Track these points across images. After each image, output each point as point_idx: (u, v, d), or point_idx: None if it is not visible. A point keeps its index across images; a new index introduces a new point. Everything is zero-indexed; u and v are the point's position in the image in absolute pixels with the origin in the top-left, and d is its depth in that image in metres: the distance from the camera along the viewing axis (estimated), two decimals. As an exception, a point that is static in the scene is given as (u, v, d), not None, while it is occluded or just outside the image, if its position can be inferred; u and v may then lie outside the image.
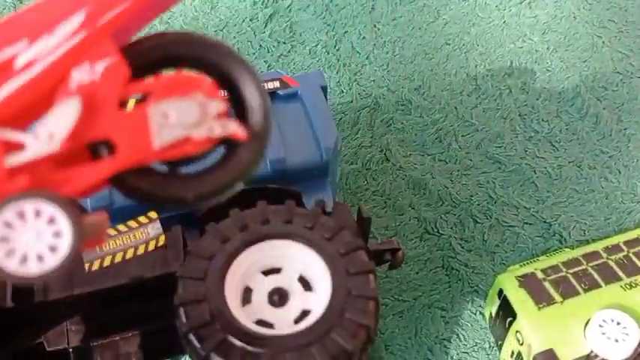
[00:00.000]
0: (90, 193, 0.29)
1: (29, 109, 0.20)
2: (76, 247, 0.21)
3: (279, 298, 0.54)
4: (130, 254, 0.61)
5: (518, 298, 0.71)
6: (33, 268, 0.20)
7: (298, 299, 0.55)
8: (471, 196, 0.91)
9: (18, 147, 0.19)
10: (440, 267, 0.85)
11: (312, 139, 0.71)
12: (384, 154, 0.95)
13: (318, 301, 0.54)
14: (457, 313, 0.82)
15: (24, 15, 0.21)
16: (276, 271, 0.57)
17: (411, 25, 1.10)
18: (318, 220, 0.57)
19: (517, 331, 0.70)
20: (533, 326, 0.68)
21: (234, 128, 0.24)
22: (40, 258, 0.20)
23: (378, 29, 1.09)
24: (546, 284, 0.72)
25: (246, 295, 0.55)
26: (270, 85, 0.75)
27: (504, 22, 1.10)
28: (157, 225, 0.63)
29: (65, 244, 0.20)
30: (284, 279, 0.56)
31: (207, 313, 0.51)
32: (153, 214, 0.63)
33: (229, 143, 0.24)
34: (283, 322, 0.53)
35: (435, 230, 0.88)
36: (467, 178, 0.93)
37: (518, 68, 1.05)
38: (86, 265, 0.60)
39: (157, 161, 0.24)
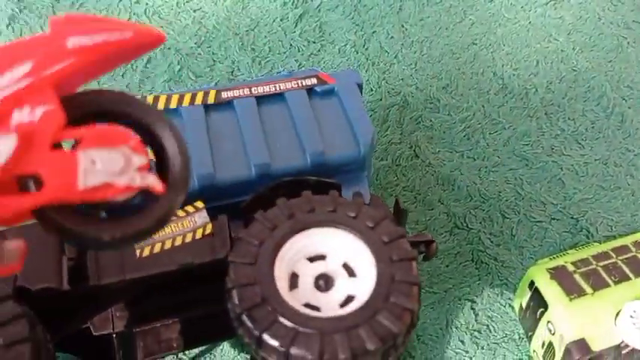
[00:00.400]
0: (13, 222, 0.30)
1: None
2: None
3: (325, 283, 0.56)
4: (178, 241, 0.63)
5: (550, 290, 0.73)
6: None
7: (343, 285, 0.57)
8: (499, 192, 0.93)
9: None
10: (469, 260, 0.87)
11: (349, 134, 0.73)
12: (414, 150, 0.97)
13: (362, 286, 0.56)
14: (487, 306, 0.84)
15: None
16: (321, 257, 0.59)
17: (438, 25, 1.12)
18: (362, 209, 0.59)
19: (548, 322, 0.72)
20: (565, 316, 0.70)
21: (153, 181, 0.26)
22: None
23: (406, 29, 1.11)
24: (577, 276, 0.73)
25: (293, 281, 0.57)
26: (308, 82, 0.78)
27: (530, 22, 1.12)
28: (204, 214, 0.65)
29: None
30: (329, 265, 0.58)
31: (258, 296, 0.53)
32: (199, 204, 0.66)
33: (147, 194, 0.26)
34: (329, 306, 0.55)
35: (465, 225, 0.90)
36: (495, 174, 0.95)
37: (544, 68, 1.07)
38: (137, 252, 0.63)
39: (80, 202, 0.25)
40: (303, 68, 1.05)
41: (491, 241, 0.89)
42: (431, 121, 1.00)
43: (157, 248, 0.63)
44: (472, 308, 0.84)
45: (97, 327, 0.68)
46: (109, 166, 0.25)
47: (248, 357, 0.78)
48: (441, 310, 0.83)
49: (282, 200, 0.60)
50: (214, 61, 1.05)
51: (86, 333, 0.69)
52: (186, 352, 0.79)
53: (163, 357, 0.77)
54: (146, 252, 0.63)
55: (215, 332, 0.76)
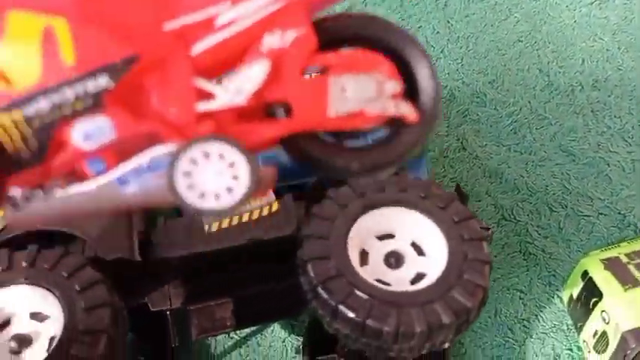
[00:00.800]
0: (262, 148, 0.30)
1: (221, 64, 0.23)
2: (250, 192, 0.21)
3: (395, 260, 0.57)
4: (245, 218, 0.65)
5: (604, 279, 0.73)
6: (209, 204, 0.21)
7: (412, 262, 0.58)
8: (547, 186, 0.94)
9: (209, 96, 0.21)
10: (517, 252, 0.88)
11: (409, 120, 0.74)
12: (461, 143, 0.98)
13: (432, 264, 0.57)
14: (535, 296, 0.84)
15: None
16: (390, 236, 0.60)
17: (484, 22, 1.13)
18: (431, 190, 0.60)
19: (603, 311, 0.73)
20: (620, 305, 0.71)
21: (407, 110, 0.24)
22: (217, 196, 0.20)
23: (452, 25, 1.12)
24: (631, 267, 0.74)
25: (363, 257, 0.58)
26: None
27: (575, 21, 1.13)
28: (270, 193, 0.66)
29: (241, 187, 0.21)
30: (397, 244, 0.59)
31: (333, 269, 0.54)
32: (265, 183, 0.67)
33: (397, 124, 0.24)
34: (400, 283, 0.56)
35: (512, 217, 0.91)
36: (541, 168, 0.96)
37: (590, 66, 1.07)
38: (205, 226, 0.64)
39: (329, 130, 0.24)
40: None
41: (539, 234, 0.90)
42: (477, 115, 1.01)
43: (225, 224, 0.64)
44: (521, 298, 0.84)
45: (154, 303, 0.69)
46: (361, 92, 0.23)
47: (300, 339, 0.79)
48: (490, 299, 0.83)
49: (352, 179, 0.61)
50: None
51: (142, 308, 0.70)
52: (238, 331, 0.80)
53: (216, 335, 0.78)
54: (214, 227, 0.64)
55: (266, 313, 0.77)
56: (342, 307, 0.53)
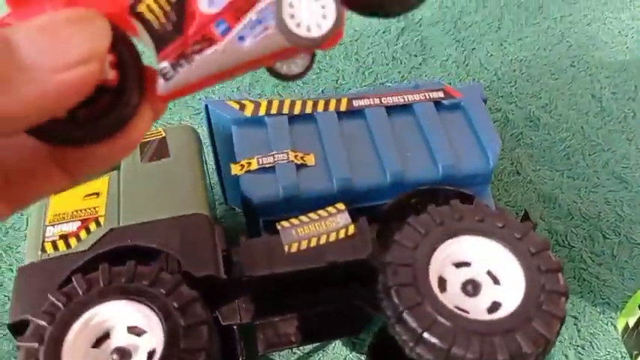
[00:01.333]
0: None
1: None
2: (339, 15, 0.25)
3: (472, 288, 0.59)
4: (322, 240, 0.67)
5: (664, 310, 0.75)
6: (315, 33, 0.24)
7: (489, 291, 0.60)
8: (599, 212, 0.95)
9: None
10: (572, 277, 0.90)
11: (477, 147, 0.76)
12: (515, 167, 1.00)
13: (509, 293, 0.59)
14: (589, 323, 0.86)
15: None
16: (466, 264, 0.62)
17: (537, 45, 1.15)
18: (508, 220, 0.62)
19: (662, 342, 0.74)
20: (681, 337, 0.72)
21: None
22: (318, 25, 0.24)
23: (505, 48, 1.14)
24: (690, 299, 0.75)
25: (441, 284, 0.60)
26: (435, 95, 0.81)
27: (627, 47, 1.14)
28: (346, 215, 0.69)
29: (330, 13, 0.25)
30: (474, 272, 0.61)
31: (417, 296, 0.56)
32: (341, 206, 0.70)
33: None
34: (477, 311, 0.58)
35: (566, 242, 0.93)
36: (595, 195, 0.97)
37: (642, 93, 1.08)
38: (285, 247, 0.67)
39: None
40: (406, 81, 1.08)
41: (593, 260, 0.91)
42: (531, 139, 1.03)
43: (304, 245, 0.67)
44: (575, 324, 0.86)
45: (225, 317, 0.72)
46: None
47: (360, 356, 0.81)
48: (545, 324, 0.85)
49: (432, 207, 0.63)
50: (320, 69, 1.10)
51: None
52: (301, 347, 0.83)
53: (281, 350, 0.80)
54: (294, 248, 0.67)
55: (330, 330, 0.79)
56: (427, 334, 0.55)
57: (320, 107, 0.79)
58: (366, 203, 0.73)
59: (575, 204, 0.96)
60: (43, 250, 0.65)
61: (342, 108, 0.79)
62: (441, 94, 0.80)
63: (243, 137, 0.76)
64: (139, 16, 0.24)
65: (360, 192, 0.73)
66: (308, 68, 0.28)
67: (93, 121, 0.23)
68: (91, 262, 0.64)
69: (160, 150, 0.74)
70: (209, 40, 0.24)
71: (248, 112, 0.77)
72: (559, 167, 1.00)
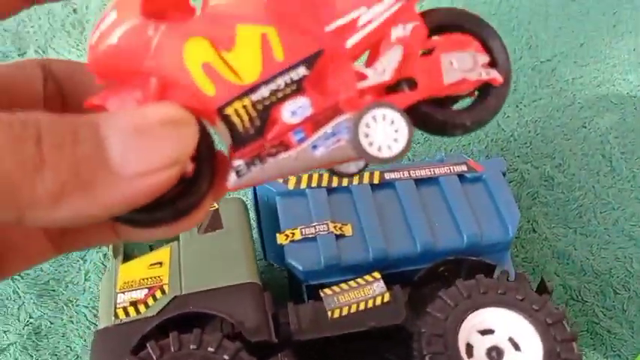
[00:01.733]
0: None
1: (363, 53, 0.28)
2: (409, 141, 0.27)
3: (497, 354, 0.67)
4: (362, 307, 0.76)
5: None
6: (386, 153, 0.26)
7: (511, 357, 0.68)
8: (610, 268, 1.03)
9: (363, 77, 0.27)
10: (585, 331, 0.97)
11: (497, 218, 0.85)
12: (531, 225, 1.08)
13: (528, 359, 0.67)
14: (602, 374, 0.94)
15: None
16: (490, 331, 0.71)
17: (550, 107, 1.23)
18: (528, 293, 0.70)
19: (668, 396, 0.82)
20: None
21: (495, 74, 0.30)
22: (389, 147, 0.26)
23: (520, 109, 1.23)
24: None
25: (468, 350, 0.69)
26: (458, 168, 0.90)
27: (635, 108, 1.23)
28: (381, 284, 0.77)
29: (402, 138, 0.26)
30: (497, 339, 0.70)
31: (449, 363, 0.65)
32: (376, 275, 0.78)
33: (485, 87, 0.31)
34: (501, 375, 0.67)
35: (579, 297, 1.00)
36: (606, 251, 1.05)
37: (650, 153, 1.16)
38: (328, 313, 0.75)
39: (444, 95, 0.30)
40: (429, 142, 1.17)
41: (604, 315, 0.99)
42: (546, 197, 1.11)
43: (345, 311, 0.76)
44: (588, 376, 0.93)
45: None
46: (462, 64, 0.29)
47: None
48: (561, 375, 0.93)
49: (459, 281, 0.71)
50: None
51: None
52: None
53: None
54: (336, 314, 0.75)
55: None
56: (458, 399, 0.63)
57: (355, 180, 0.88)
58: (397, 269, 0.82)
59: (587, 260, 1.04)
60: (116, 315, 0.74)
61: (375, 180, 0.88)
62: (464, 168, 0.89)
63: (286, 208, 0.85)
64: (226, 118, 0.25)
65: (392, 260, 0.81)
66: (363, 168, 0.31)
67: (161, 208, 0.23)
68: (158, 327, 0.73)
69: (214, 222, 0.83)
70: (285, 146, 0.26)
71: (291, 185, 0.86)
72: (572, 225, 1.08)
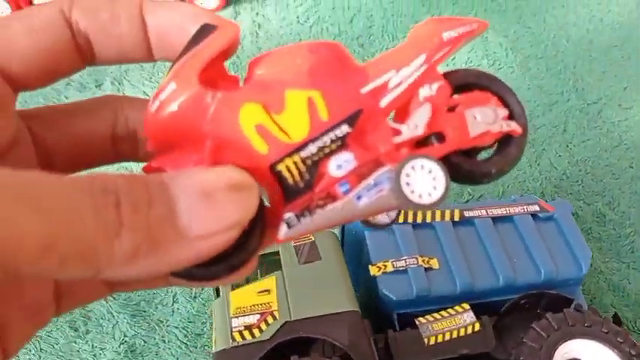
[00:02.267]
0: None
1: (392, 111, 0.30)
2: (447, 188, 0.28)
3: (585, 382, 0.75)
4: (454, 335, 0.83)
5: None
6: (427, 200, 0.27)
7: (597, 385, 0.76)
8: (662, 302, 1.11)
9: (398, 132, 0.29)
10: (642, 360, 1.05)
11: (570, 255, 0.93)
12: (587, 259, 1.16)
13: (614, 388, 0.75)
14: (659, 401, 1.01)
15: (389, 55, 0.30)
16: (576, 360, 0.78)
17: (598, 147, 1.32)
18: (611, 326, 0.78)
19: None
20: None
21: (515, 125, 0.31)
22: (429, 194, 0.27)
23: (571, 149, 1.31)
24: None
25: (558, 378, 0.76)
26: (531, 208, 0.98)
27: (678, 150, 1.31)
28: (471, 314, 0.85)
29: (441, 185, 0.28)
30: (584, 367, 0.77)
31: (546, 390, 0.72)
32: (466, 306, 0.86)
33: (505, 138, 0.32)
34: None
35: (636, 328, 1.08)
36: (657, 286, 1.13)
37: (694, 193, 1.25)
38: (425, 340, 0.83)
39: (469, 147, 0.31)
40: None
41: (659, 345, 1.06)
42: (599, 233, 1.19)
43: (440, 339, 0.83)
44: (647, 402, 1.01)
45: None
46: (485, 118, 0.31)
47: None
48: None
49: (549, 314, 0.79)
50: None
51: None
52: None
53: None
54: (432, 341, 0.83)
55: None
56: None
57: (438, 217, 0.95)
58: (480, 300, 0.89)
59: (640, 294, 1.12)
60: (233, 338, 0.82)
61: (456, 218, 0.96)
62: (536, 208, 0.97)
63: (375, 242, 0.93)
64: (278, 174, 0.26)
65: (477, 292, 0.89)
66: (394, 221, 0.36)
67: (215, 263, 0.24)
68: (271, 350, 0.80)
69: (312, 254, 0.91)
70: (332, 198, 0.27)
71: (379, 220, 0.94)
72: (625, 259, 1.16)
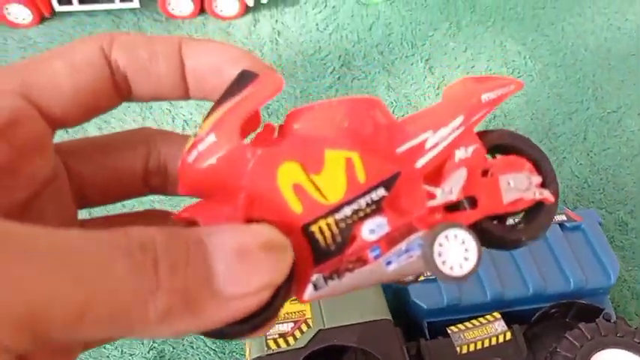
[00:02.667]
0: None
1: (431, 173, 0.29)
2: (479, 260, 0.27)
3: (617, 392, 0.76)
4: (486, 344, 0.84)
5: None
6: (458, 272, 0.26)
7: (630, 394, 0.77)
8: (686, 310, 1.12)
9: (432, 196, 0.28)
10: (666, 368, 1.05)
11: (598, 265, 0.93)
12: (610, 267, 1.16)
13: (647, 397, 0.76)
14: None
15: (426, 114, 0.30)
16: (608, 370, 0.79)
17: (619, 155, 1.33)
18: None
19: None
20: None
21: (547, 194, 0.31)
22: (460, 265, 0.26)
23: (591, 157, 1.32)
24: None
25: (590, 387, 0.77)
26: (558, 218, 0.99)
27: (698, 159, 1.32)
28: (502, 323, 0.86)
29: (473, 257, 0.27)
30: (616, 377, 0.78)
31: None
32: (497, 315, 0.87)
33: (537, 205, 0.32)
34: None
35: (659, 337, 1.09)
36: (680, 294, 1.14)
37: None
38: (457, 348, 0.84)
39: (502, 213, 0.31)
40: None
41: (683, 353, 1.07)
42: (622, 242, 1.20)
43: (472, 348, 0.84)
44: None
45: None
46: (519, 185, 0.30)
47: None
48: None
49: (582, 324, 0.80)
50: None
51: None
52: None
53: None
54: (464, 350, 0.84)
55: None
56: None
57: (466, 226, 0.96)
58: (509, 309, 0.90)
59: (663, 302, 1.12)
60: (267, 346, 0.83)
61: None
62: (563, 217, 0.98)
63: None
64: (310, 234, 0.26)
65: (507, 301, 0.90)
66: (418, 278, 0.31)
67: (241, 323, 0.23)
68: (305, 358, 0.81)
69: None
70: (362, 262, 0.27)
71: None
72: (647, 268, 1.17)
